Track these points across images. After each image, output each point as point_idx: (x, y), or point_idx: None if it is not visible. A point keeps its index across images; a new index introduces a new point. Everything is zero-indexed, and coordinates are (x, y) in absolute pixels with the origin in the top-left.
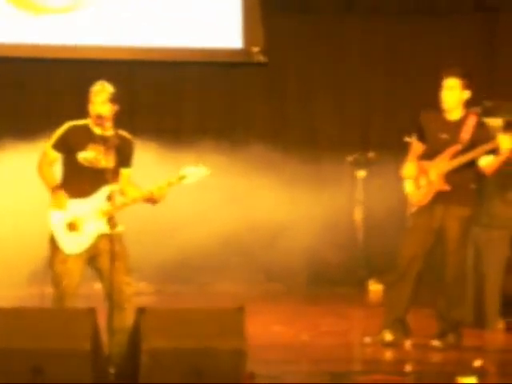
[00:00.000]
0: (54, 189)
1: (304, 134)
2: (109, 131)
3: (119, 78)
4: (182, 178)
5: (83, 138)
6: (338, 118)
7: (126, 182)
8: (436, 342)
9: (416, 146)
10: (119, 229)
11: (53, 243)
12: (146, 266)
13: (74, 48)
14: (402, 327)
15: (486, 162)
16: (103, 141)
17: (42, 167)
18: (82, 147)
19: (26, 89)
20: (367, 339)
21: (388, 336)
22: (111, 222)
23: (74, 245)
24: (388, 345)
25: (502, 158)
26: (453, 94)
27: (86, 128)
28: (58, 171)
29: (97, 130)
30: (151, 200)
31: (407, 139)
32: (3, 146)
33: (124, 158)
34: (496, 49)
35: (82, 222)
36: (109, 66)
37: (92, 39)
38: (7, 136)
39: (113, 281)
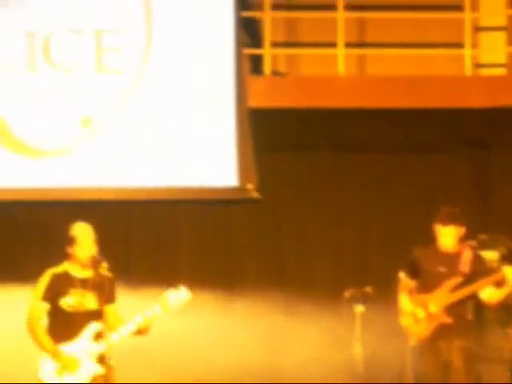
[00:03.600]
0: (56, 353)
1: (300, 271)
2: (88, 272)
3: (114, 218)
4: (164, 303)
5: (64, 283)
6: (335, 254)
7: (113, 318)
8: None
9: (405, 282)
10: (112, 365)
11: None
12: None
13: (70, 190)
14: None
15: (489, 295)
16: (83, 283)
17: (34, 327)
18: (64, 293)
19: (20, 232)
20: None
21: None
22: (103, 360)
23: None
24: None
25: (507, 290)
26: (451, 240)
27: (65, 273)
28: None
29: (76, 273)
30: (139, 331)
31: (400, 275)
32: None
33: (106, 295)
34: (489, 183)
35: (74, 366)
36: (103, 206)
37: (86, 181)
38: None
39: None
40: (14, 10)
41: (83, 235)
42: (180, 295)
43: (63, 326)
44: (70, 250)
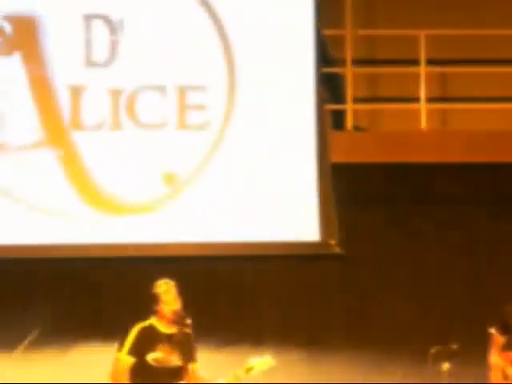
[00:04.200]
0: None
1: (383, 327)
2: (173, 328)
3: (198, 274)
4: (249, 369)
5: (151, 338)
6: (419, 310)
7: (194, 378)
8: None
9: (496, 338)
10: None
11: None
12: None
13: (153, 246)
14: None
15: None
16: (169, 339)
17: (119, 380)
18: (151, 348)
19: (102, 290)
20: None
21: None
22: None
23: None
24: None
25: None
26: None
27: (152, 328)
28: None
29: (163, 329)
30: None
31: (491, 331)
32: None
33: (189, 353)
34: None
35: None
36: (186, 262)
37: (170, 237)
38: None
39: None
40: (99, 69)
41: (166, 291)
42: (265, 362)
43: (146, 381)
44: (155, 307)
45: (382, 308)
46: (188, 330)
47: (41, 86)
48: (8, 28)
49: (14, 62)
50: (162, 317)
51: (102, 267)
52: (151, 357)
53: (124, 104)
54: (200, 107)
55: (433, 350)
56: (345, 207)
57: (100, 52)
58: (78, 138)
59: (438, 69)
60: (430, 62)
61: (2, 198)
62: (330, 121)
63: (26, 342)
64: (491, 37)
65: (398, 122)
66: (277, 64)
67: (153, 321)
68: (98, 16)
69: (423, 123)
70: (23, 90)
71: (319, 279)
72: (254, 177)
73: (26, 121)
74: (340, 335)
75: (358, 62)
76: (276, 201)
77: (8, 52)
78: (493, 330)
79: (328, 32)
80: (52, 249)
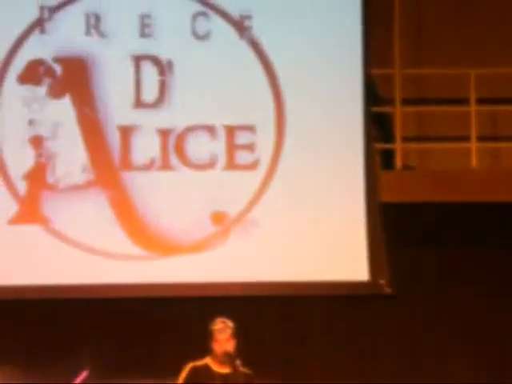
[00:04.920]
0: None
1: (436, 370)
2: (227, 368)
3: (245, 314)
4: None
5: (205, 377)
6: (471, 352)
7: None
8: None
9: None
10: None
11: None
12: None
13: (202, 286)
14: None
15: None
16: (224, 379)
17: None
18: None
19: (154, 328)
20: None
21: None
22: None
23: None
24: None
25: None
26: None
27: (206, 367)
28: None
29: (217, 369)
30: None
31: None
32: None
33: None
34: None
35: None
36: (233, 302)
37: (218, 277)
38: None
39: None
40: (148, 109)
41: (221, 330)
42: None
43: None
44: (210, 346)
45: (433, 353)
46: (245, 370)
47: (91, 127)
48: (59, 70)
49: (64, 103)
50: (215, 356)
51: (153, 307)
52: None
53: (173, 144)
54: (249, 147)
55: None
56: (394, 247)
57: (149, 92)
58: (128, 178)
59: (487, 107)
60: (480, 100)
61: (52, 238)
62: (379, 160)
63: (81, 379)
64: None
65: (447, 160)
66: (325, 103)
67: (207, 360)
68: (147, 57)
69: (474, 162)
70: (74, 130)
71: (368, 319)
72: (302, 216)
73: (76, 161)
74: (389, 377)
75: (407, 101)
76: (325, 240)
77: (59, 94)
78: None
79: (377, 71)
80: (102, 289)
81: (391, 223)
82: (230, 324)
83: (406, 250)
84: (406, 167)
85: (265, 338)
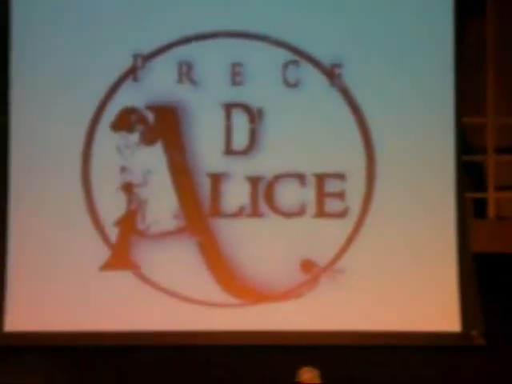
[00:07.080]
0: None
1: None
2: None
3: (335, 363)
4: None
5: None
6: None
7: None
8: None
9: None
10: None
11: None
12: None
13: (288, 334)
14: None
15: None
16: None
17: None
18: None
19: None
20: None
21: None
22: None
23: None
24: None
25: None
26: None
27: None
28: None
29: None
30: None
31: None
32: None
33: None
34: None
35: None
36: (324, 350)
37: (308, 325)
38: None
39: None
40: (238, 156)
41: (310, 380)
42: None
43: None
44: None
45: None
46: None
47: (181, 174)
48: (151, 117)
49: (156, 151)
50: None
51: (242, 355)
52: None
53: (263, 191)
54: (339, 195)
55: None
56: (486, 298)
57: (240, 140)
58: (218, 224)
59: None
60: None
61: (142, 283)
62: (471, 209)
63: None
64: None
65: None
66: (416, 152)
67: None
68: (237, 105)
69: None
70: (164, 177)
71: (461, 370)
72: (392, 265)
73: (166, 208)
74: None
75: (500, 150)
76: (415, 290)
77: (151, 141)
78: None
79: (469, 120)
80: (192, 336)
81: (483, 274)
82: (317, 372)
83: (497, 301)
84: (499, 217)
85: None
